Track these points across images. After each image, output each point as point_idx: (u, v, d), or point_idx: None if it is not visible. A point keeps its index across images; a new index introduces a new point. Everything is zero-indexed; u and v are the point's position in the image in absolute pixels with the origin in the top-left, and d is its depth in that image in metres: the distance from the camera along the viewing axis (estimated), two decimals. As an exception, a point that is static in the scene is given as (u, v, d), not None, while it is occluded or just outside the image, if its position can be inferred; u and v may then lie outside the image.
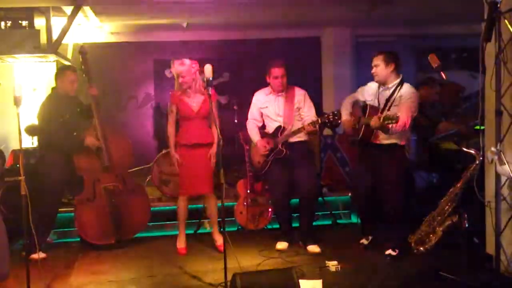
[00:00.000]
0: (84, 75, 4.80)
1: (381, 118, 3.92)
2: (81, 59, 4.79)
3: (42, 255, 4.34)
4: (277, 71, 4.53)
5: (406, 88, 4.22)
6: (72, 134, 4.71)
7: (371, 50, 4.44)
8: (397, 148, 4.28)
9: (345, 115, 4.41)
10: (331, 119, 4.27)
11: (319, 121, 4.37)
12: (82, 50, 4.80)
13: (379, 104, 4.31)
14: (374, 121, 4.00)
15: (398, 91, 4.21)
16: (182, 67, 4.46)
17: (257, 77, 5.03)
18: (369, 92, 4.44)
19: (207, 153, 4.54)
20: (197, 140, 4.52)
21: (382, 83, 4.30)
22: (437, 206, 4.27)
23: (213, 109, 4.21)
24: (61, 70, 4.80)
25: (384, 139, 4.25)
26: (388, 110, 4.20)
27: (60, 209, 4.87)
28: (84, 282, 4.00)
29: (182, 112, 4.54)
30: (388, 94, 4.26)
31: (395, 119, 3.87)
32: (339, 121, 4.36)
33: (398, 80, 4.25)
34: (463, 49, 7.97)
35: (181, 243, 4.70)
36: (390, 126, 3.95)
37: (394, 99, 4.21)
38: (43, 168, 4.74)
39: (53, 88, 4.80)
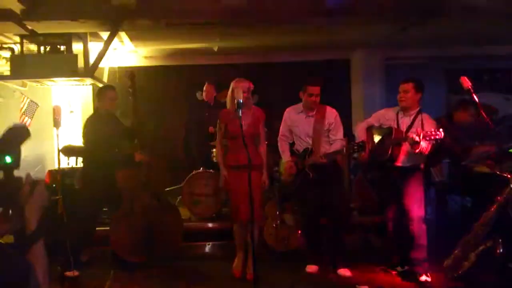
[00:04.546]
0: (130, 98, 4.97)
1: (421, 134, 3.97)
2: (129, 83, 4.97)
3: (75, 273, 4.43)
4: (313, 89, 4.52)
5: (429, 118, 4.32)
6: (114, 150, 4.86)
7: (402, 72, 4.47)
8: (419, 170, 4.38)
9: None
10: (356, 150, 4.30)
11: (344, 151, 4.37)
12: (130, 75, 5.02)
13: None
14: (413, 135, 4.02)
15: (418, 119, 4.30)
16: (244, 84, 4.38)
17: (287, 99, 5.07)
18: (385, 117, 4.51)
19: (255, 176, 4.20)
20: (245, 161, 4.12)
21: (405, 110, 4.36)
22: (471, 231, 4.20)
23: (261, 130, 4.45)
24: (101, 90, 5.06)
25: (406, 162, 4.31)
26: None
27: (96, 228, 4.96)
28: (115, 301, 4.06)
29: (231, 131, 4.48)
30: (409, 121, 4.34)
31: (438, 133, 3.91)
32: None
33: (418, 109, 4.36)
34: (496, 70, 7.79)
35: (237, 266, 4.59)
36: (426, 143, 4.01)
37: (415, 125, 4.27)
38: (85, 186, 4.87)
39: (95, 109, 4.98)
